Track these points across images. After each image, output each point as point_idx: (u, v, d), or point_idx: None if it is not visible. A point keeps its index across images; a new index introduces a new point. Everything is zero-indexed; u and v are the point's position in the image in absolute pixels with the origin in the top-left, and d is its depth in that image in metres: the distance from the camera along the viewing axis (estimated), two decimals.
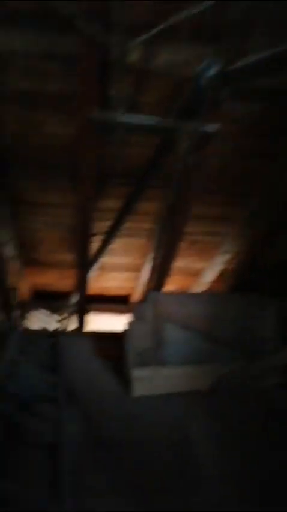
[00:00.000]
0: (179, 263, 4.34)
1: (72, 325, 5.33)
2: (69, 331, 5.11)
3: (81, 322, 4.90)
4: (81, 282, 4.37)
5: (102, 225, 3.82)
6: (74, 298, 5.03)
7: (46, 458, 2.45)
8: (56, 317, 5.03)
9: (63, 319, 5.13)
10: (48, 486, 2.22)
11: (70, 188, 3.49)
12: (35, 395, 2.95)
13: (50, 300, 5.30)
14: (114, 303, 5.58)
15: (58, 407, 2.91)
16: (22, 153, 3.14)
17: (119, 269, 4.94)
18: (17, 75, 2.52)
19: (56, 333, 4.44)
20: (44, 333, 4.36)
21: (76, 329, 5.01)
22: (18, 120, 2.84)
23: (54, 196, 3.65)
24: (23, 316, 5.02)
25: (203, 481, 2.43)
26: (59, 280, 5.06)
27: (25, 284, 5.07)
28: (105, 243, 4.01)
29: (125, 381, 3.42)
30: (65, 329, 5.16)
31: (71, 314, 5.29)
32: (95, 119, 2.50)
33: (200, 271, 4.93)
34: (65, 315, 5.22)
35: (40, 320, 5.04)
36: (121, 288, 5.41)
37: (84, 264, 4.10)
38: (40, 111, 2.79)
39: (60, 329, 4.69)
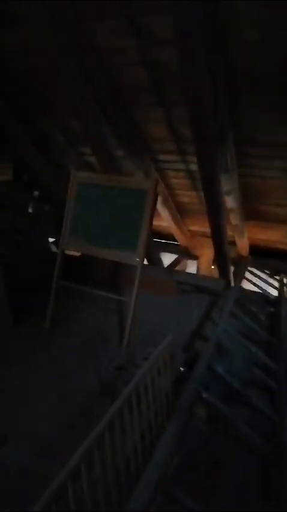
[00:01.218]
0: None
1: None
2: None
3: None
4: None
5: None
6: None
7: (257, 467, 1.95)
8: (278, 280, 4.30)
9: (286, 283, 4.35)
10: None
11: None
12: (248, 380, 2.46)
13: (272, 259, 4.57)
14: None
15: (276, 401, 2.34)
16: (255, 72, 2.37)
17: None
18: None
19: (277, 301, 3.76)
20: (262, 299, 3.76)
21: None
22: (257, 22, 2.06)
23: None
24: (238, 275, 4.53)
25: None
26: (285, 238, 4.23)
27: (244, 240, 4.50)
28: None
29: None
30: None
31: None
32: None
33: None
34: None
35: (258, 282, 4.43)
36: None
37: None
38: None
39: (281, 295, 3.95)
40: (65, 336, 3.14)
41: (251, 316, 3.29)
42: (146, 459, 1.68)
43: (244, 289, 3.89)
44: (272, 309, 3.52)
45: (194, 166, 3.57)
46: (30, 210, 4.06)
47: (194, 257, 5.37)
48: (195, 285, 4.06)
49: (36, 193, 4.15)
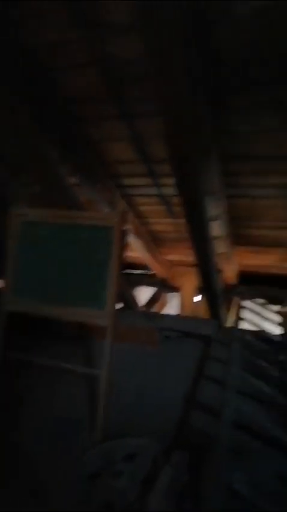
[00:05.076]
0: None
1: None
2: None
3: None
4: None
5: None
6: None
7: None
8: (275, 309, 3.66)
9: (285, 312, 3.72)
10: None
11: None
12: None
13: (267, 286, 3.94)
14: None
15: None
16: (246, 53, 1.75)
17: None
18: None
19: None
20: (264, 340, 3.08)
21: None
22: None
23: None
24: (227, 307, 3.87)
25: None
26: (280, 262, 3.62)
27: (232, 266, 3.87)
28: None
29: None
30: None
31: None
32: None
33: None
34: None
35: (252, 313, 3.79)
36: None
37: None
38: None
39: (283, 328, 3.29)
40: (14, 431, 2.30)
41: (261, 373, 2.59)
42: None
43: (243, 331, 3.20)
44: (282, 357, 2.85)
45: (168, 190, 2.91)
46: None
47: (175, 289, 4.67)
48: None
49: None
